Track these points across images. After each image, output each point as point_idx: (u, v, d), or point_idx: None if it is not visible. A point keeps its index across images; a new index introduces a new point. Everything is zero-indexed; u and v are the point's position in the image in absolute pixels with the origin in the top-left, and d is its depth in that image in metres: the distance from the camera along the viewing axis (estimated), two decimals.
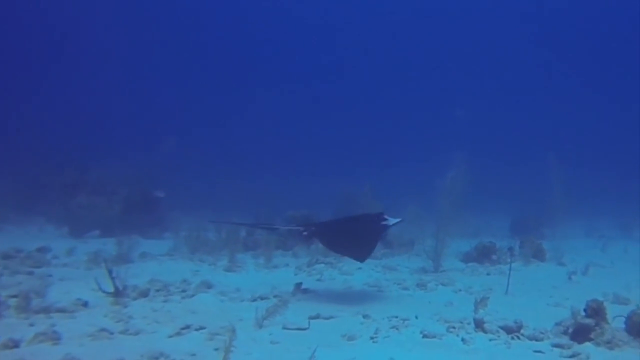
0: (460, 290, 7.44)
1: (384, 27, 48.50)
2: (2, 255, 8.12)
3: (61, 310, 5.49)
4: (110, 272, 6.27)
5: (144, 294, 6.41)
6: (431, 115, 43.95)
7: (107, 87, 39.25)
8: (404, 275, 8.42)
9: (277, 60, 49.79)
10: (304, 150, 37.68)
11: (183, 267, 8.64)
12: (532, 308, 6.36)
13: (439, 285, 7.71)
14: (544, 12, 45.78)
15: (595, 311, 5.09)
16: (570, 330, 5.11)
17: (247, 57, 49.17)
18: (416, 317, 5.75)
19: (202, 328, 5.19)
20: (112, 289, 6.20)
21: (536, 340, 5.07)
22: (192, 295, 6.56)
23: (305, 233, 7.15)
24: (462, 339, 5.04)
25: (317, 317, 5.71)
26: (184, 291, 6.73)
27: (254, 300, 6.46)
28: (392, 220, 6.75)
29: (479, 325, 5.32)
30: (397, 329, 5.36)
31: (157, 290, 6.65)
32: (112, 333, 4.92)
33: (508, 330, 5.19)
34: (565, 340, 5.01)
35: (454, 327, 5.36)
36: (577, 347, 4.85)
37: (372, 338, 5.06)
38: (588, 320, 5.03)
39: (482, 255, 9.76)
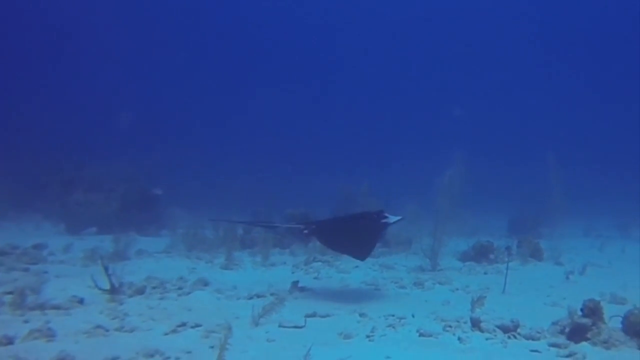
0: (457, 289, 7.43)
1: (384, 25, 48.51)
2: None
3: (56, 307, 5.47)
4: (106, 269, 6.25)
5: (140, 291, 6.39)
6: (430, 114, 44.00)
7: (106, 84, 39.24)
8: (401, 274, 8.40)
9: (277, 59, 49.79)
10: (303, 149, 37.69)
11: (180, 264, 8.63)
12: (529, 307, 6.35)
13: (436, 284, 7.71)
14: (543, 12, 45.78)
15: (592, 311, 5.08)
16: (567, 329, 5.10)
17: (247, 56, 49.19)
18: (413, 316, 5.74)
19: (198, 326, 5.17)
20: (108, 286, 6.18)
21: (533, 339, 5.05)
22: (189, 293, 6.53)
23: (305, 231, 7.14)
24: (459, 338, 5.03)
25: (313, 315, 5.70)
26: (180, 289, 6.72)
27: (251, 298, 6.44)
28: (392, 218, 6.72)
29: (475, 324, 5.31)
30: (393, 327, 5.35)
31: (154, 288, 6.63)
32: (107, 330, 4.90)
33: (505, 330, 5.18)
34: (562, 339, 4.99)
35: (450, 326, 5.34)
36: (573, 346, 4.84)
37: (368, 336, 5.05)
38: (585, 320, 5.01)
39: (480, 254, 9.76)
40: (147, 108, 40.01)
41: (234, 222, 10.07)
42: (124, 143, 26.83)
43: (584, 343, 4.90)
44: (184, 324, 5.17)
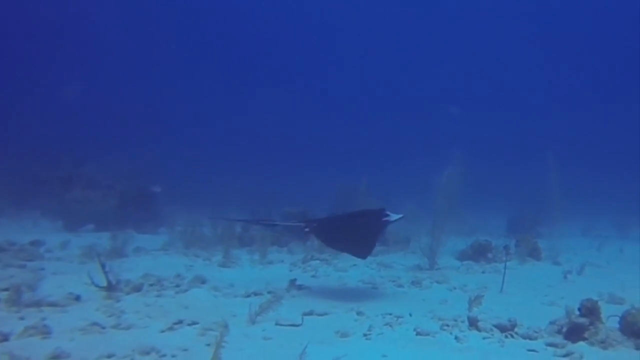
0: (455, 288, 7.41)
1: (383, 24, 48.45)
2: None
3: (53, 304, 5.45)
4: (103, 266, 6.23)
5: (137, 288, 6.37)
6: (429, 113, 43.97)
7: (106, 82, 39.19)
8: (399, 273, 8.40)
9: (275, 58, 49.71)
10: (301, 148, 37.67)
11: (177, 262, 8.61)
12: (526, 307, 6.34)
13: (433, 283, 7.70)
14: (543, 11, 45.77)
15: (590, 310, 5.07)
16: (565, 329, 5.09)
17: (246, 55, 49.09)
18: (410, 315, 5.72)
19: (194, 323, 5.15)
20: (105, 283, 6.17)
21: (530, 339, 5.04)
22: (186, 291, 6.51)
23: (307, 229, 7.12)
24: (456, 337, 5.02)
25: (310, 313, 5.68)
26: (177, 286, 6.70)
27: (248, 296, 6.42)
28: (393, 216, 6.69)
29: (472, 323, 5.29)
30: (390, 326, 5.34)
31: (151, 285, 6.61)
32: (103, 327, 4.88)
33: (502, 329, 5.17)
34: (559, 339, 4.98)
35: (447, 325, 5.33)
36: (570, 346, 4.83)
37: (365, 335, 5.03)
38: (582, 320, 5.00)
39: (478, 253, 9.75)
40: (146, 106, 40.01)
41: (235, 220, 10.06)
42: (122, 140, 26.83)
43: (581, 343, 4.89)
44: (180, 322, 5.14)
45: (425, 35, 47.93)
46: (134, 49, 43.07)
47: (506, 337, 5.07)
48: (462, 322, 5.41)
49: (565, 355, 4.62)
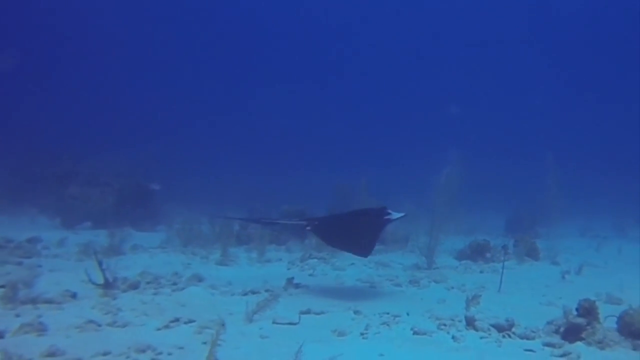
0: (452, 287, 7.40)
1: (383, 23, 48.41)
2: None
3: (49, 301, 5.43)
4: (100, 263, 6.21)
5: (134, 286, 6.35)
6: (428, 113, 43.94)
7: (106, 80, 39.13)
8: (396, 272, 8.39)
9: (275, 57, 49.67)
10: (300, 147, 37.63)
11: (175, 260, 8.59)
12: (524, 307, 6.32)
13: (431, 282, 7.69)
14: (542, 11, 45.75)
15: (587, 311, 5.06)
16: (562, 329, 5.08)
17: (245, 53, 49.03)
18: (407, 314, 5.71)
19: (191, 321, 5.13)
20: (101, 281, 6.14)
21: (527, 338, 5.03)
22: (183, 289, 6.49)
23: (308, 228, 7.10)
24: (453, 337, 5.01)
25: (308, 312, 5.67)
26: (174, 284, 6.68)
27: (245, 294, 6.41)
28: (395, 215, 6.67)
29: (470, 323, 5.28)
30: (387, 325, 5.33)
31: (148, 283, 6.59)
32: (99, 325, 4.87)
33: (499, 329, 5.16)
34: (556, 339, 4.97)
35: (445, 325, 5.32)
36: (568, 346, 4.82)
37: (362, 334, 5.02)
38: (580, 320, 5.00)
39: (476, 253, 9.75)
40: (145, 103, 39.97)
41: (237, 219, 10.05)
42: (122, 138, 26.80)
43: (578, 343, 4.89)
44: (177, 320, 5.13)
45: (425, 34, 47.93)
46: (136, 46, 43.05)
47: (503, 336, 5.06)
48: (460, 321, 5.40)
49: (562, 356, 4.61)
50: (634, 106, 37.80)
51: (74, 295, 5.72)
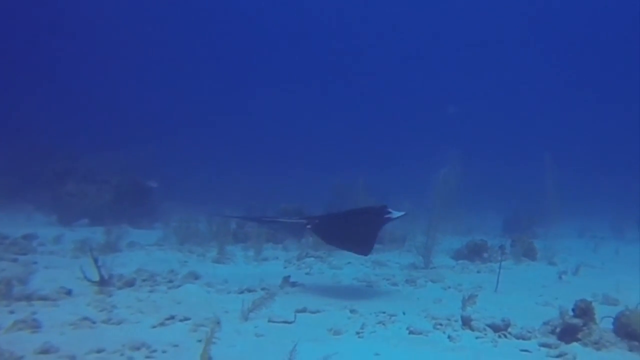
0: (449, 287, 7.38)
1: (382, 23, 48.39)
2: None
3: (43, 298, 5.40)
4: (96, 260, 6.19)
5: (130, 283, 6.33)
6: (427, 112, 43.94)
7: (106, 79, 39.08)
8: (393, 271, 8.38)
9: (273, 56, 49.63)
10: (298, 146, 37.62)
11: (171, 257, 8.58)
12: (520, 307, 6.31)
13: (428, 281, 7.67)
14: (541, 11, 45.75)
15: (584, 311, 5.04)
16: (558, 329, 5.06)
17: (243, 53, 48.96)
18: (404, 313, 5.70)
19: (186, 319, 5.11)
20: (97, 278, 6.12)
21: (523, 339, 5.02)
22: (179, 286, 6.47)
23: (308, 226, 7.08)
24: (449, 336, 4.99)
25: (303, 310, 5.65)
26: (170, 281, 6.67)
27: (241, 292, 6.39)
28: (395, 214, 6.65)
29: (466, 322, 5.27)
30: (383, 324, 5.31)
31: (144, 280, 6.58)
32: (94, 322, 4.84)
33: (495, 329, 5.14)
34: (552, 339, 4.96)
35: (441, 324, 5.30)
36: (564, 347, 4.81)
37: (358, 333, 5.01)
38: (576, 320, 4.98)
39: (473, 252, 9.74)
40: (144, 102, 39.90)
41: (237, 217, 10.02)
42: (120, 136, 26.74)
43: (574, 343, 4.87)
44: (172, 317, 5.11)
45: (424, 33, 47.91)
46: (135, 44, 42.96)
47: (499, 337, 5.05)
48: (456, 321, 5.39)
49: (558, 356, 4.59)
50: (633, 107, 37.85)
51: (69, 292, 5.70)
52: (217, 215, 10.21)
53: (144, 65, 43.77)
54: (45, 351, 4.00)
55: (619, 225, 15.95)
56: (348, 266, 8.59)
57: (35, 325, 4.53)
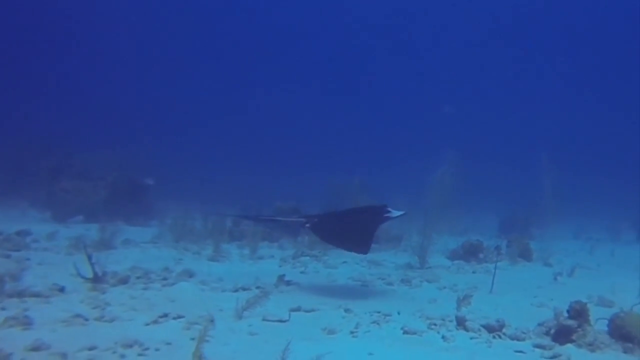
0: (444, 287, 7.37)
1: (381, 22, 48.37)
2: None
3: (36, 295, 5.35)
4: (89, 257, 6.15)
5: (124, 280, 6.29)
6: (424, 113, 43.97)
7: (105, 78, 38.98)
8: (388, 271, 8.36)
9: (270, 55, 49.56)
10: (295, 145, 37.58)
11: (166, 255, 8.54)
12: (515, 307, 6.30)
13: (423, 281, 7.66)
14: (540, 11, 45.82)
15: (579, 313, 5.04)
16: (553, 331, 5.06)
17: (240, 52, 48.89)
18: (398, 313, 5.68)
19: (180, 317, 5.08)
20: (91, 275, 6.08)
21: (518, 340, 5.01)
22: (173, 284, 6.43)
23: (307, 225, 7.05)
24: (443, 337, 4.98)
25: (298, 309, 5.63)
26: (164, 279, 6.63)
27: (236, 290, 6.36)
28: (395, 213, 6.64)
29: (460, 323, 5.26)
30: (378, 324, 5.29)
31: (138, 278, 6.53)
32: (86, 319, 4.81)
33: (490, 329, 5.13)
34: (547, 341, 4.95)
35: (435, 324, 5.29)
36: (558, 348, 4.80)
37: (352, 332, 4.99)
38: (570, 322, 4.98)
39: (469, 253, 9.73)
40: (142, 100, 39.80)
41: (233, 216, 9.97)
42: (117, 134, 26.66)
43: (569, 345, 4.86)
44: (165, 315, 5.07)
45: (422, 32, 47.93)
46: (134, 42, 42.86)
47: (494, 337, 5.04)
48: (450, 321, 5.38)
49: (552, 357, 4.59)
50: (630, 108, 37.96)
51: (62, 289, 5.66)
52: (215, 214, 10.17)
53: (142, 63, 43.69)
54: (36, 348, 3.97)
55: (615, 227, 15.97)
56: (343, 265, 8.57)
57: (26, 322, 4.49)
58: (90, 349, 4.09)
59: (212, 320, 4.87)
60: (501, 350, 4.77)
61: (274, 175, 23.55)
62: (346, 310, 5.70)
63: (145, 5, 43.90)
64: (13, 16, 36.24)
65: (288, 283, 6.92)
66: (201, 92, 44.44)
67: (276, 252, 9.53)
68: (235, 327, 4.95)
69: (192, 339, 4.40)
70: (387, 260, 9.25)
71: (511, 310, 6.07)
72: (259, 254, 9.07)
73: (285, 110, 43.08)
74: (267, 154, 31.04)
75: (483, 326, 5.17)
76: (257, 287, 6.48)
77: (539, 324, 5.27)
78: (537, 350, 4.78)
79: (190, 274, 6.96)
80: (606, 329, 5.06)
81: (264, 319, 5.21)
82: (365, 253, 7.06)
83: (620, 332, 4.92)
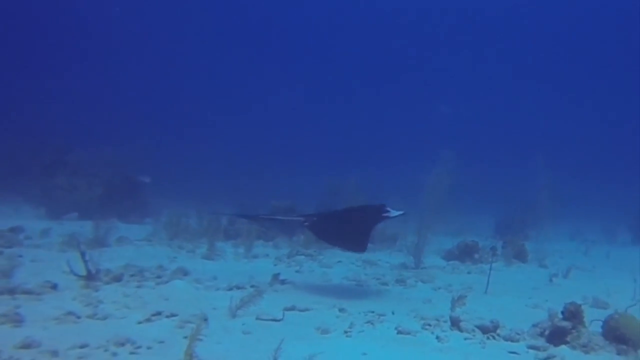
0: (439, 287, 7.36)
1: (379, 22, 48.36)
2: None
3: (28, 292, 5.31)
4: (83, 254, 6.10)
5: (117, 278, 6.25)
6: (421, 114, 44.02)
7: (105, 77, 38.86)
8: (383, 271, 8.34)
9: (267, 55, 49.50)
10: (291, 144, 37.59)
11: (160, 253, 8.50)
12: (510, 308, 6.29)
13: (418, 282, 7.65)
14: (539, 11, 45.89)
15: (573, 314, 5.03)
16: (547, 332, 5.05)
17: (237, 51, 48.76)
18: (392, 313, 5.66)
19: (173, 315, 5.04)
20: (84, 272, 6.03)
21: (512, 341, 4.99)
22: (167, 282, 6.39)
23: (306, 224, 7.03)
24: (437, 337, 4.96)
25: (292, 308, 5.61)
26: (158, 277, 6.59)
27: (230, 289, 6.32)
28: (394, 213, 6.61)
29: (455, 323, 5.24)
30: (372, 324, 5.27)
31: (131, 275, 6.49)
32: (79, 317, 4.77)
33: (484, 330, 5.12)
34: (541, 342, 4.94)
35: (429, 325, 5.27)
36: (552, 349, 4.79)
37: (346, 332, 4.96)
38: (565, 323, 4.96)
39: (464, 253, 9.73)
40: (139, 99, 39.72)
41: (232, 214, 9.94)
42: (113, 131, 26.57)
43: (563, 346, 4.85)
44: (159, 313, 5.04)
45: (420, 32, 47.92)
46: (133, 41, 42.71)
47: (488, 338, 5.02)
48: (445, 322, 5.36)
49: (546, 359, 4.58)
50: (627, 111, 38.08)
51: (54, 287, 5.61)
52: (212, 213, 10.14)
53: (140, 61, 43.55)
54: (26, 346, 3.92)
55: (611, 229, 16.01)
56: (338, 265, 8.55)
57: (17, 320, 4.45)
58: (82, 346, 4.05)
59: (205, 319, 4.84)
60: (495, 351, 4.75)
61: (270, 174, 23.51)
62: (340, 310, 5.68)
63: (145, 3, 43.78)
64: (8, 13, 36.06)
65: (283, 282, 6.90)
66: (198, 90, 44.39)
67: (271, 251, 9.51)
68: (228, 325, 4.92)
69: (185, 337, 4.35)
70: (382, 260, 9.24)
71: (506, 311, 6.06)
72: (254, 253, 9.04)
73: (283, 109, 43.09)
74: (264, 153, 31.00)
75: (477, 327, 5.15)
76: (252, 286, 6.44)
77: (534, 325, 5.26)
78: (531, 351, 4.76)
79: (184, 272, 6.92)
80: (600, 330, 5.05)
81: (257, 318, 5.18)
82: (363, 252, 7.06)
83: (614, 334, 4.91)
